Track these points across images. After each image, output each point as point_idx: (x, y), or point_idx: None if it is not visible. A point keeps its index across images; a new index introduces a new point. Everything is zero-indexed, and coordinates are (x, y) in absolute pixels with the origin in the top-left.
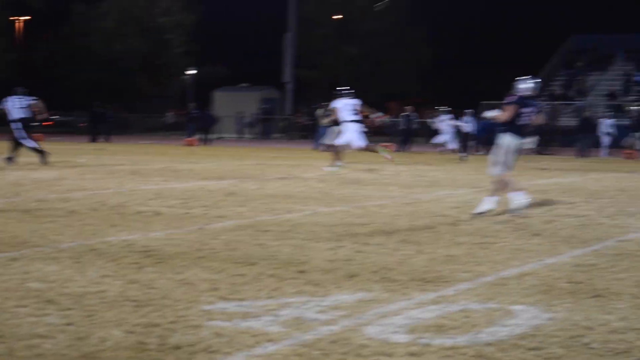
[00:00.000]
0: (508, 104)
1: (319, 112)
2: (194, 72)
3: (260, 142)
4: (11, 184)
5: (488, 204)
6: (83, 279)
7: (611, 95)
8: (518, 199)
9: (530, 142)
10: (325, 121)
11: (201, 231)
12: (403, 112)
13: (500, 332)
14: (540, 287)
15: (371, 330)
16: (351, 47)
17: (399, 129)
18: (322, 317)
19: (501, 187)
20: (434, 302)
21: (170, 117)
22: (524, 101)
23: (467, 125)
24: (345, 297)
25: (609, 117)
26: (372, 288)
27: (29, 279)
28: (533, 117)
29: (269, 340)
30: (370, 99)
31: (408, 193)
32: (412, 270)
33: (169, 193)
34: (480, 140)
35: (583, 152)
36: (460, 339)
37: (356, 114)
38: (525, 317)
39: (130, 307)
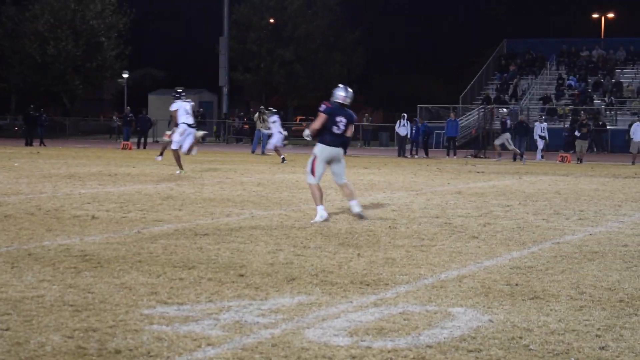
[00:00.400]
0: (319, 112)
1: (256, 116)
2: (128, 75)
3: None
4: None
5: (319, 215)
6: (20, 283)
7: (545, 99)
8: (320, 211)
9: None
10: (261, 125)
11: (139, 235)
12: None
13: (440, 334)
14: (479, 290)
15: (312, 334)
16: (286, 50)
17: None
18: (263, 320)
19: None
20: (374, 304)
21: (116, 120)
22: (337, 110)
23: (404, 128)
24: (286, 300)
25: (543, 121)
26: (312, 291)
27: None
28: (343, 125)
29: (210, 344)
30: (308, 102)
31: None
32: (351, 273)
33: (105, 197)
34: (416, 144)
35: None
36: (401, 342)
37: (189, 117)
38: (465, 319)
39: (69, 311)
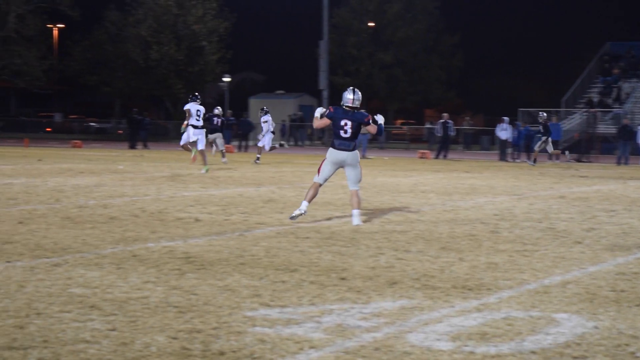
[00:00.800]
0: (323, 116)
1: None
2: (229, 79)
3: (296, 149)
4: (51, 190)
5: (300, 208)
6: (126, 284)
7: None
8: (303, 205)
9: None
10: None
11: (241, 237)
12: (440, 119)
13: (544, 340)
14: (583, 296)
15: (414, 338)
16: (386, 54)
17: (436, 136)
18: (365, 324)
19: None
20: (477, 309)
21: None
22: (341, 114)
23: (504, 132)
24: (387, 304)
25: None
26: (414, 295)
27: (72, 285)
28: (350, 128)
29: (312, 347)
30: (407, 106)
31: (446, 200)
32: (453, 278)
33: (208, 199)
34: (518, 148)
35: (623, 160)
36: (504, 347)
37: (199, 119)
38: (569, 325)
39: (173, 312)
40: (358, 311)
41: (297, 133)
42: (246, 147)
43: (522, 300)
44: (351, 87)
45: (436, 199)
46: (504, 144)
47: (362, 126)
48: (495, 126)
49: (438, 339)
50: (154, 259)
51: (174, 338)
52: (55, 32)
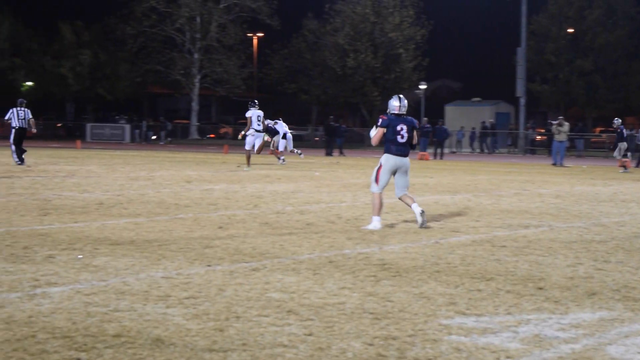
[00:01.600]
0: (376, 126)
1: (554, 127)
2: (425, 86)
3: (492, 157)
4: (250, 196)
5: (373, 224)
6: (322, 290)
7: None
8: (375, 221)
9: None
10: (559, 137)
11: (437, 245)
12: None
13: None
14: None
15: (614, 350)
16: (585, 60)
17: (636, 143)
18: (563, 335)
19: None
20: None
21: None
22: (395, 120)
23: None
24: (586, 315)
25: None
26: (614, 307)
27: (269, 289)
28: (405, 133)
29: (509, 357)
30: (607, 114)
31: None
32: None
33: (403, 207)
34: None
35: None
36: None
37: (259, 124)
38: None
39: (369, 319)
40: (556, 322)
41: (486, 140)
42: (442, 155)
43: None
44: (397, 95)
45: (637, 208)
46: None
47: (413, 131)
48: None
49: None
50: (350, 266)
51: (370, 344)
52: (255, 40)
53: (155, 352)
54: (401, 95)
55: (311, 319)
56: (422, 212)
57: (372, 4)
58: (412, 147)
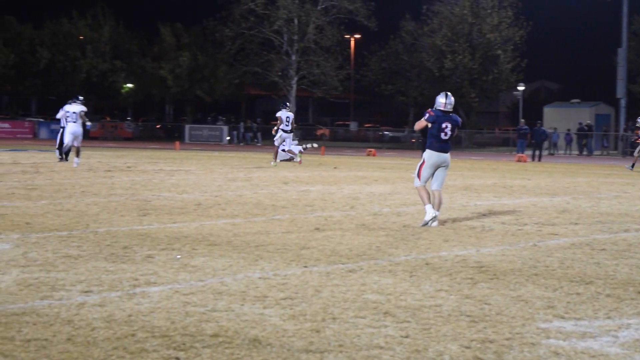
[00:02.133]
0: (423, 119)
1: None
2: (523, 87)
3: (590, 159)
4: (347, 198)
5: (428, 214)
6: (419, 292)
7: None
8: (428, 210)
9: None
10: None
11: (535, 248)
12: None
13: None
14: None
15: None
16: None
17: None
18: None
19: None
20: None
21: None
22: (441, 117)
23: None
24: None
25: None
26: None
27: (366, 291)
28: (450, 131)
29: None
30: None
31: None
32: None
33: (501, 209)
34: None
35: None
36: None
37: (288, 124)
38: None
39: (466, 322)
40: None
41: (590, 142)
42: (540, 157)
43: None
44: (444, 92)
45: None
46: None
47: (456, 129)
48: None
49: None
50: (446, 268)
51: (467, 347)
52: (352, 42)
53: (252, 353)
54: (448, 93)
55: (408, 321)
56: (434, 218)
57: (470, 4)
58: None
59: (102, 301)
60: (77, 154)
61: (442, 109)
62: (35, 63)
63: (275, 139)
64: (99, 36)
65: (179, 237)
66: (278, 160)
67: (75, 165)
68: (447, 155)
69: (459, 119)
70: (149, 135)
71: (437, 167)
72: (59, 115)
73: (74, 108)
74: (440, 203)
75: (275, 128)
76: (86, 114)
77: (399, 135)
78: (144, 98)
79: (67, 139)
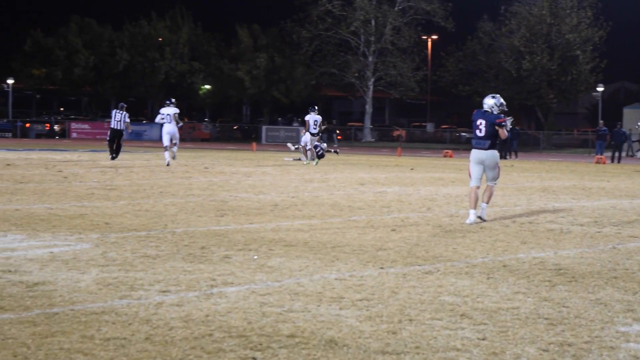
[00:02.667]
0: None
1: None
2: (602, 88)
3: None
4: (423, 199)
5: (469, 218)
6: (496, 294)
7: None
8: (471, 215)
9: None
10: None
11: (614, 251)
12: None
13: None
14: None
15: None
16: None
17: None
18: None
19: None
20: None
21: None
22: (478, 115)
23: None
24: None
25: None
26: None
27: (443, 293)
28: (484, 127)
29: None
30: None
31: None
32: None
33: (579, 211)
34: None
35: None
36: None
37: (315, 127)
38: None
39: (544, 324)
40: None
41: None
42: (619, 158)
43: None
44: (491, 94)
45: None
46: None
47: (494, 127)
48: None
49: None
50: (524, 270)
51: (545, 350)
52: (429, 43)
53: (328, 353)
54: (496, 95)
55: (485, 323)
56: (480, 217)
57: (548, 5)
58: (504, 141)
59: (180, 301)
60: (174, 156)
61: (486, 108)
62: (115, 65)
63: (301, 140)
64: (178, 38)
65: (256, 238)
66: (308, 160)
67: (167, 163)
68: (486, 153)
69: (497, 117)
70: (226, 136)
71: (480, 164)
72: (157, 120)
73: (169, 110)
74: (489, 196)
75: (304, 131)
76: (179, 115)
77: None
78: (222, 99)
79: (164, 139)
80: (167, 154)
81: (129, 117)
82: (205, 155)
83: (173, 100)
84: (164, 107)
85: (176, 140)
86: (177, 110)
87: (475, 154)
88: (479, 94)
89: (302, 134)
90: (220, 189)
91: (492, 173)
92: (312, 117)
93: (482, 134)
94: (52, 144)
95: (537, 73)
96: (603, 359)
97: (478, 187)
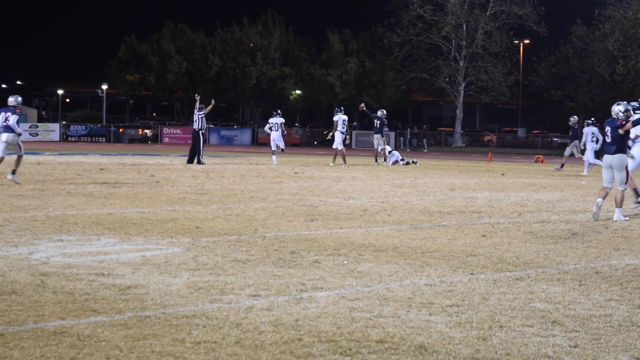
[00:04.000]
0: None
1: None
2: None
3: None
4: (514, 205)
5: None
6: (588, 301)
7: None
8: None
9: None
10: None
11: None
12: None
13: None
14: None
15: None
16: None
17: None
18: None
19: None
20: None
21: None
22: (607, 123)
23: None
24: None
25: None
26: None
27: (534, 299)
28: (610, 133)
29: None
30: None
31: None
32: None
33: None
34: None
35: None
36: None
37: (344, 127)
38: None
39: (637, 332)
40: None
41: None
42: None
43: None
44: (617, 102)
45: None
46: None
47: (618, 131)
48: None
49: None
50: (617, 277)
51: (638, 358)
52: (521, 47)
53: (418, 359)
54: (620, 102)
55: (576, 331)
56: (595, 213)
57: None
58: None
59: (270, 305)
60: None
61: (613, 115)
62: (207, 70)
63: (336, 143)
64: (269, 43)
65: (346, 243)
66: (389, 163)
67: (274, 162)
68: (612, 157)
69: (617, 120)
70: (317, 142)
71: (609, 168)
72: (265, 128)
73: (276, 120)
74: (619, 200)
75: (332, 133)
76: (284, 124)
77: (566, 142)
78: (312, 104)
79: (272, 144)
80: (274, 157)
81: (219, 122)
82: (294, 160)
83: (279, 111)
84: (272, 117)
85: (282, 146)
86: (282, 120)
87: (605, 158)
88: (571, 99)
89: (329, 137)
90: (310, 193)
91: (618, 176)
92: (341, 117)
93: (609, 139)
94: (144, 149)
95: (631, 77)
96: None
97: (609, 189)
